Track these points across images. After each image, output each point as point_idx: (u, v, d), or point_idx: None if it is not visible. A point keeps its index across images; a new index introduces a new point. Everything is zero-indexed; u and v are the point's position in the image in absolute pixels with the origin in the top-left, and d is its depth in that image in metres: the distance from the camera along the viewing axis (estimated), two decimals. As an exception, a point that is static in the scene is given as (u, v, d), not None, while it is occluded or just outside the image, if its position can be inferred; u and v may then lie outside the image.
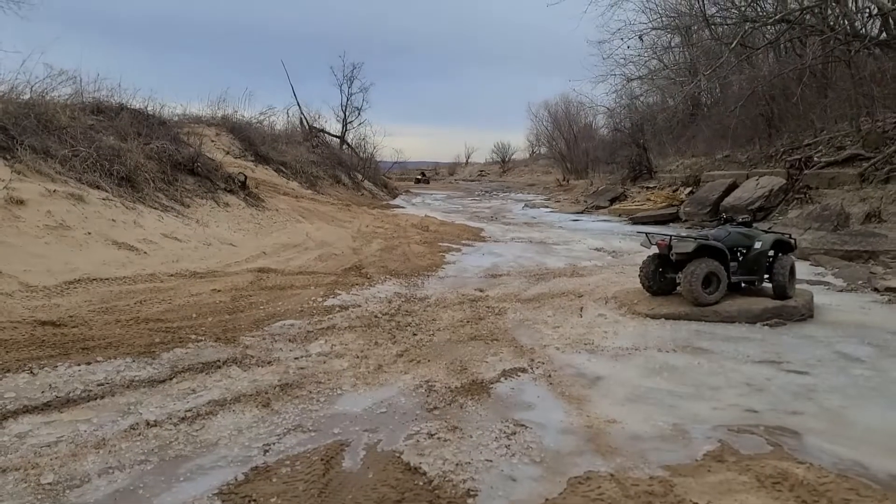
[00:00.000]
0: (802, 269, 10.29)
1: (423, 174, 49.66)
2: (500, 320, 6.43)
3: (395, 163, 43.36)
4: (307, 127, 30.36)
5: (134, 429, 3.56)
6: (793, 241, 7.28)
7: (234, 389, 4.25)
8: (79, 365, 4.50)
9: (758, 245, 7.01)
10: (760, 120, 20.57)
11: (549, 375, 4.70)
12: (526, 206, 28.49)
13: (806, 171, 15.31)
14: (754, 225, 7.50)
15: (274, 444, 3.48)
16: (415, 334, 5.78)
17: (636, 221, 19.27)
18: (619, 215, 21.95)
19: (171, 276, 7.75)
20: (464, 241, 13.50)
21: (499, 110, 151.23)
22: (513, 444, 3.48)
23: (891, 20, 15.30)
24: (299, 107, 31.71)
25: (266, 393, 4.19)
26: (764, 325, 6.34)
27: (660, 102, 30.10)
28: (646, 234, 7.12)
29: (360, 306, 6.83)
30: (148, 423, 3.64)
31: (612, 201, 25.22)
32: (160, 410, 3.84)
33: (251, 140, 19.25)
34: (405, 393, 4.27)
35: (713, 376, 4.79)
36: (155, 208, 10.26)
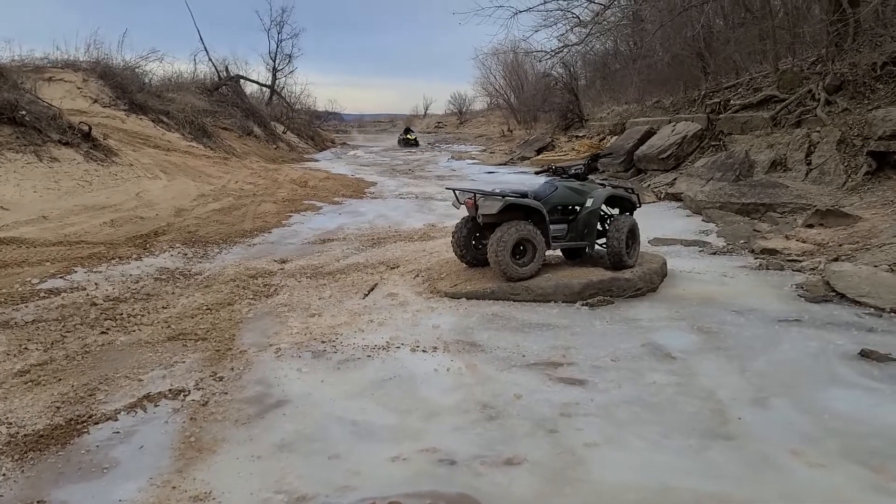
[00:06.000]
0: (691, 226, 9.09)
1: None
2: (249, 308, 4.99)
3: (330, 113, 41.07)
4: (218, 74, 27.65)
5: None
6: (635, 196, 5.91)
7: None
8: None
9: (589, 203, 5.60)
10: (690, 62, 19.11)
11: (206, 403, 3.28)
12: (451, 158, 26.84)
13: (721, 116, 13.99)
14: (590, 178, 6.05)
15: None
16: (104, 332, 4.31)
17: (552, 173, 17.87)
18: (541, 166, 20.49)
19: None
20: (335, 199, 11.94)
21: (458, 60, 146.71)
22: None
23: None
24: (206, 51, 28.78)
25: None
26: (584, 304, 5.01)
27: (607, 46, 28.24)
28: (454, 190, 5.66)
29: (83, 289, 5.31)
30: None
31: (539, 151, 23.78)
32: None
33: (125, 87, 17.07)
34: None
35: (448, 393, 3.43)
36: None
